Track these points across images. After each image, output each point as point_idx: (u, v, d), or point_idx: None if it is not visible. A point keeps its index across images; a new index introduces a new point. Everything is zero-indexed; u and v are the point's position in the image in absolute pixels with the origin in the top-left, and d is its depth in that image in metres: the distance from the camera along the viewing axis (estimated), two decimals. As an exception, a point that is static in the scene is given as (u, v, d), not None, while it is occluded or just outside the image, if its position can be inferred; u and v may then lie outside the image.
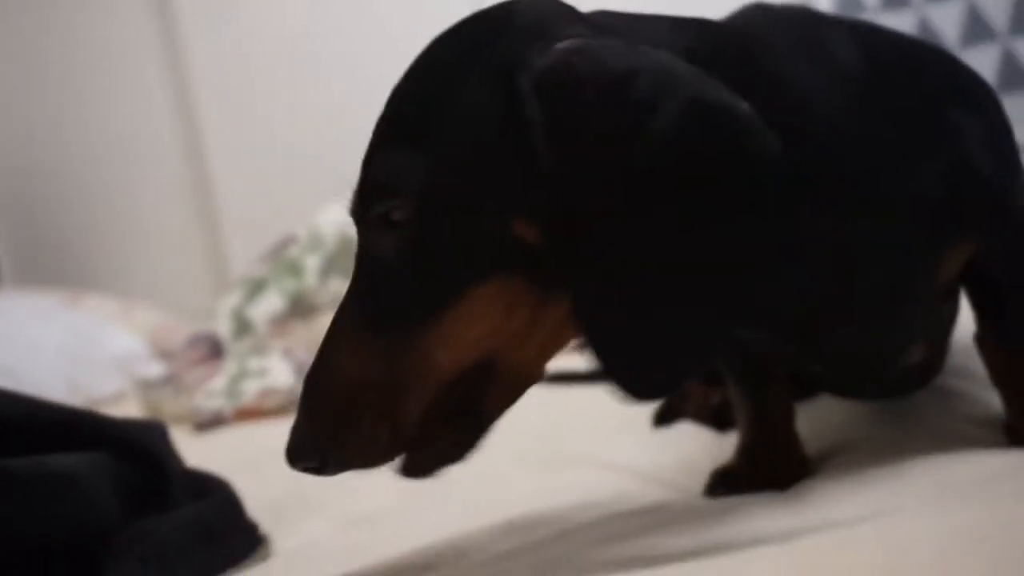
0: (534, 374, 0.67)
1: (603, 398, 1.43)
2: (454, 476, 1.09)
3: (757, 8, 0.78)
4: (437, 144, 0.61)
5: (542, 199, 0.59)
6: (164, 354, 2.52)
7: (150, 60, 3.02)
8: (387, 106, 0.65)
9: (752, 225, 0.58)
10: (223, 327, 2.22)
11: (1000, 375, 0.84)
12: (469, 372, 0.63)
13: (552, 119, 0.58)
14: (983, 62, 2.09)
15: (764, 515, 0.67)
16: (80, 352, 2.36)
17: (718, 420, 1.11)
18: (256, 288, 2.26)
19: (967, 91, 0.78)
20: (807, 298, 0.70)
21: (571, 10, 0.67)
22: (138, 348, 2.52)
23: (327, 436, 0.62)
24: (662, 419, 1.21)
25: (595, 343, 0.59)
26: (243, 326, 2.20)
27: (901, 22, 2.18)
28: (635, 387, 0.61)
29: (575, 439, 1.19)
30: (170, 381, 2.02)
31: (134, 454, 0.88)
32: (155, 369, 2.34)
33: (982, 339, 0.84)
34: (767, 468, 0.86)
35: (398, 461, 0.65)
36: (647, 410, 1.27)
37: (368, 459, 0.63)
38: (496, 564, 0.68)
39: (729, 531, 0.65)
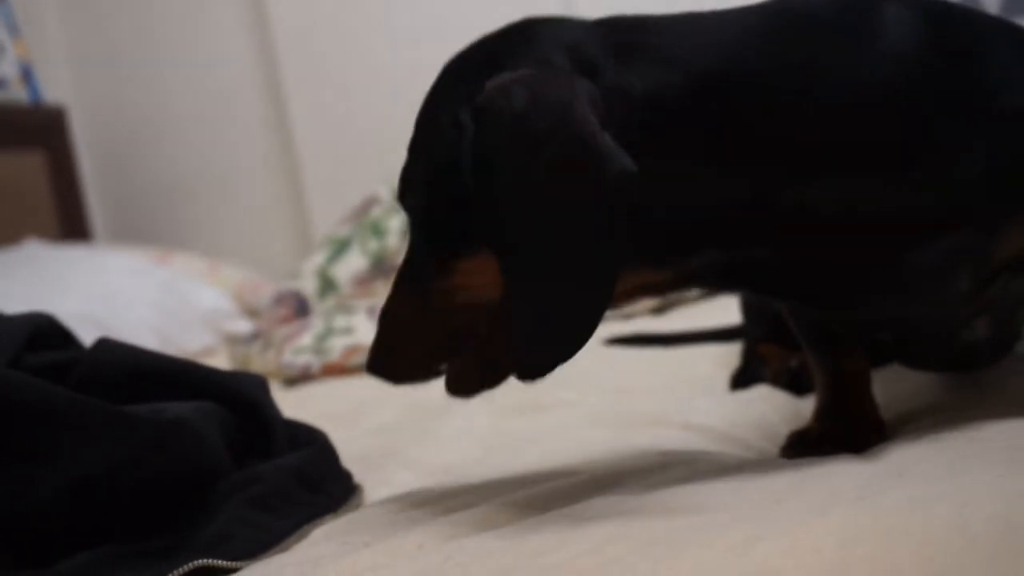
0: None
1: (680, 362, 1.47)
2: (533, 432, 1.14)
3: None
4: (426, 157, 0.77)
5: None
6: (250, 311, 2.59)
7: (239, 24, 3.07)
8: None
9: (615, 234, 0.68)
10: (308, 286, 2.28)
11: None
12: (482, 314, 0.76)
13: (477, 144, 0.71)
14: None
15: (839, 473, 0.69)
16: (170, 307, 2.43)
17: (795, 384, 1.13)
18: (340, 248, 2.31)
19: None
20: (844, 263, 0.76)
21: (561, 33, 0.76)
22: (225, 305, 2.59)
23: (389, 355, 0.80)
24: (739, 383, 1.24)
25: (508, 328, 0.72)
26: (328, 285, 2.26)
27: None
28: (531, 364, 0.72)
29: (651, 400, 1.22)
30: (258, 337, 2.08)
31: (239, 404, 0.93)
32: (243, 325, 2.42)
33: None
34: (844, 431, 0.88)
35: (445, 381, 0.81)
36: (724, 375, 1.30)
37: (411, 373, 0.81)
38: (577, 516, 0.71)
39: (804, 487, 0.68)
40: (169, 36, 3.16)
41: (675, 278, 0.79)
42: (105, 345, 0.94)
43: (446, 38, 2.91)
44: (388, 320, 0.80)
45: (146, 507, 0.79)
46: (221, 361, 2.23)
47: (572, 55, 0.73)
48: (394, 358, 0.80)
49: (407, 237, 0.81)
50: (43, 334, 0.99)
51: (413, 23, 2.86)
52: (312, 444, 0.97)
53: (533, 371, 0.71)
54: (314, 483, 0.90)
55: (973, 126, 0.74)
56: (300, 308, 2.23)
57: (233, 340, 2.29)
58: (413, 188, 0.78)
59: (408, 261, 0.80)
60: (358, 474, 1.01)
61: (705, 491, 0.71)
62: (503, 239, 0.71)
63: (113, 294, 2.34)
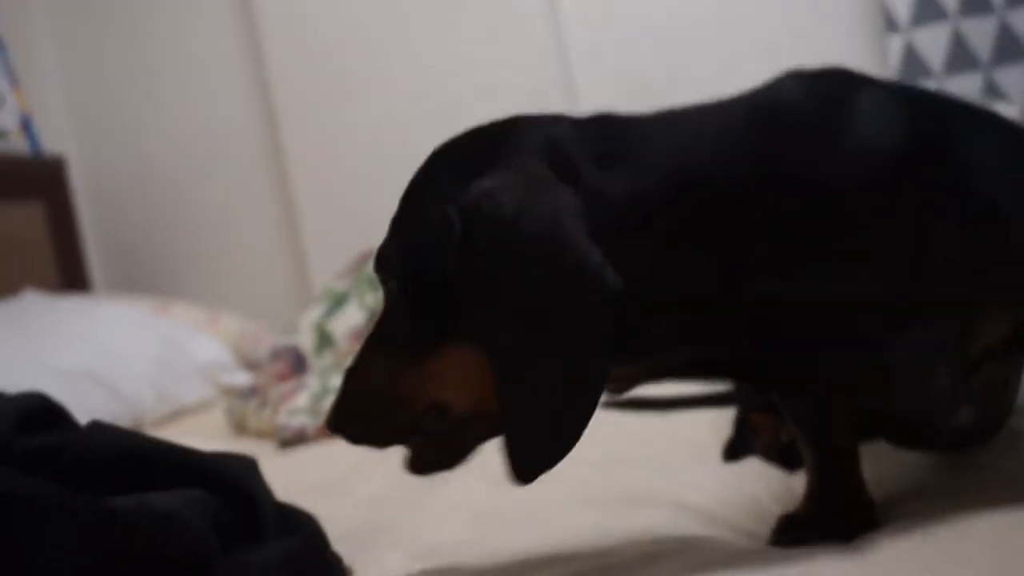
0: None
1: (674, 427, 1.46)
2: (523, 509, 1.14)
3: (792, 77, 0.81)
4: (407, 244, 0.78)
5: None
6: (249, 363, 2.59)
7: (234, 73, 3.09)
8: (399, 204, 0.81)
9: (597, 349, 0.70)
10: (306, 341, 2.28)
11: None
12: (447, 412, 0.77)
13: (465, 244, 0.72)
14: None
15: (824, 566, 0.69)
16: (168, 360, 2.43)
17: (786, 459, 1.13)
18: (337, 302, 2.31)
19: (1009, 164, 0.79)
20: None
21: (546, 133, 0.78)
22: (223, 356, 2.59)
23: (350, 418, 0.81)
24: (732, 454, 1.23)
25: (504, 426, 0.73)
26: (325, 340, 2.25)
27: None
28: (527, 466, 0.72)
29: (643, 473, 1.21)
30: (255, 393, 2.08)
31: (228, 489, 0.93)
32: (241, 377, 2.41)
33: None
34: (833, 515, 0.88)
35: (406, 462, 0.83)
36: (718, 443, 1.29)
37: (371, 439, 0.82)
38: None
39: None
40: (169, 87, 3.18)
41: (648, 371, 0.81)
42: (95, 428, 0.94)
43: (449, 91, 2.94)
44: (353, 384, 0.81)
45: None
46: (217, 415, 2.23)
47: (555, 158, 0.75)
48: (355, 422, 0.81)
49: (382, 302, 0.83)
50: (35, 415, 0.99)
51: (416, 74, 2.88)
52: (302, 529, 0.97)
53: (528, 473, 0.72)
54: (303, 571, 0.89)
55: (945, 219, 0.75)
56: (297, 364, 2.23)
57: (229, 392, 2.28)
58: (391, 267, 0.79)
59: (382, 330, 0.81)
60: (348, 553, 1.00)
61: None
62: (490, 337, 0.72)
63: (111, 347, 2.35)
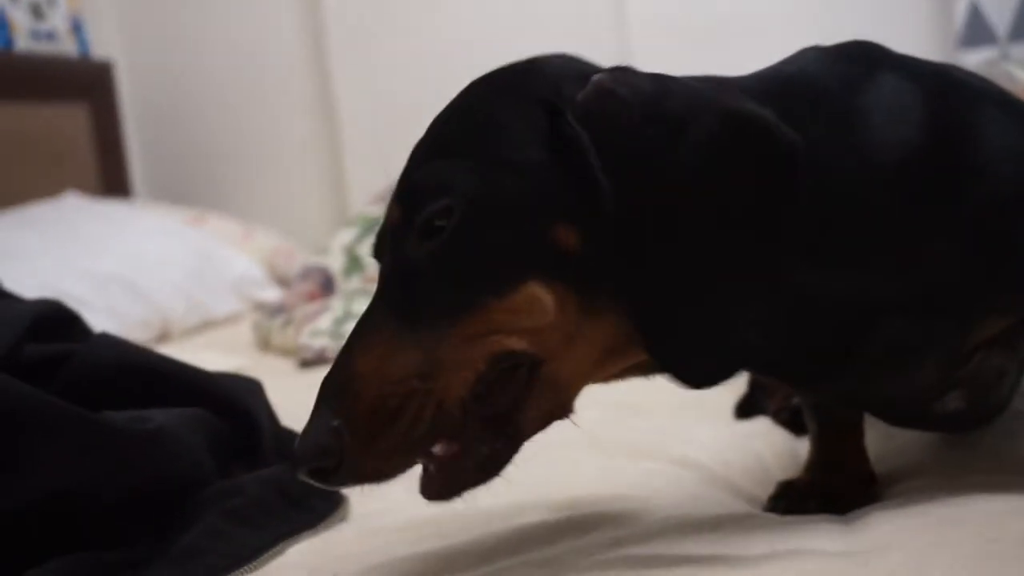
0: (571, 392, 0.71)
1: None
2: (528, 447, 1.14)
3: (811, 52, 0.78)
4: (485, 158, 0.67)
5: (587, 209, 0.64)
6: (281, 279, 2.61)
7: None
8: (429, 131, 0.72)
9: (779, 219, 0.65)
10: (336, 263, 2.29)
11: None
12: (511, 368, 0.67)
13: (598, 138, 0.64)
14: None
15: (808, 553, 0.68)
16: (201, 272, 2.45)
17: (795, 423, 1.12)
18: (370, 227, 2.31)
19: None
20: (815, 341, 0.73)
21: (597, 67, 0.72)
22: (256, 272, 2.61)
23: (360, 434, 0.63)
24: (743, 412, 1.23)
25: (650, 337, 0.66)
26: (355, 263, 2.26)
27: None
28: (689, 375, 0.67)
29: (652, 423, 1.20)
30: (282, 311, 2.09)
31: (230, 411, 0.94)
32: (271, 293, 2.43)
33: None
34: (832, 487, 0.87)
35: (422, 483, 0.67)
36: (731, 399, 1.28)
37: (402, 455, 0.64)
38: (547, 565, 0.71)
39: (775, 547, 0.69)
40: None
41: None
42: (103, 340, 0.95)
43: (493, 18, 2.90)
44: (362, 386, 0.64)
45: (122, 517, 0.79)
46: (245, 330, 2.25)
47: None
48: (375, 435, 0.63)
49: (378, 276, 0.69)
50: (48, 321, 1.00)
51: (468, 2, 2.84)
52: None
53: (700, 378, 0.67)
54: (297, 497, 0.90)
55: (958, 212, 0.72)
56: (326, 285, 2.24)
57: (260, 308, 2.30)
58: (454, 194, 0.65)
59: (398, 305, 0.67)
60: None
61: (673, 547, 0.71)
62: (637, 241, 0.64)
63: (145, 255, 2.37)
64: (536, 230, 0.65)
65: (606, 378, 0.74)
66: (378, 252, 0.73)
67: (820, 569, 0.64)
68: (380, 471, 0.65)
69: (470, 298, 0.65)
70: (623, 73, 0.69)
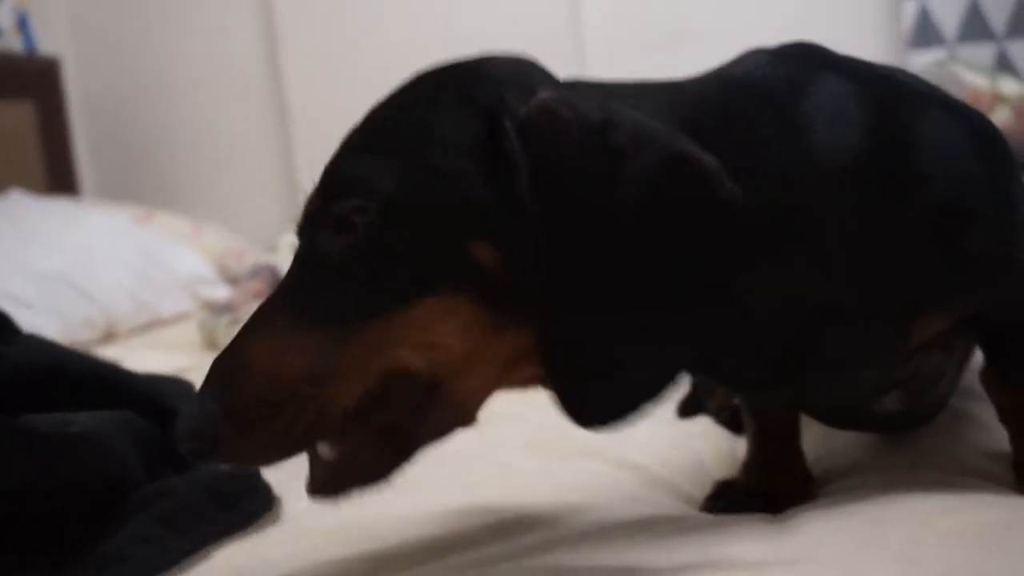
0: (472, 407, 0.67)
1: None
2: (468, 448, 1.12)
3: (756, 56, 0.77)
4: (411, 158, 0.64)
5: (510, 228, 0.62)
6: (232, 279, 2.58)
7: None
8: (365, 120, 0.69)
9: (712, 267, 0.62)
10: (285, 261, 2.26)
11: (1004, 413, 0.84)
12: (409, 384, 0.64)
13: (534, 159, 0.62)
14: None
15: (736, 555, 0.68)
16: (148, 270, 2.41)
17: (736, 423, 1.12)
18: (320, 226, 2.29)
19: (967, 163, 0.75)
20: (755, 347, 0.71)
21: (547, 73, 0.70)
22: (206, 270, 2.57)
23: (240, 418, 0.60)
24: (685, 411, 1.22)
25: (553, 371, 0.63)
26: (303, 262, 2.23)
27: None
28: (586, 416, 0.64)
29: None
30: (228, 311, 2.07)
31: (159, 412, 0.92)
32: (221, 291, 2.40)
33: (986, 376, 0.83)
34: (768, 487, 0.87)
35: (308, 480, 0.65)
36: (674, 397, 1.28)
37: (279, 448, 0.62)
38: (475, 569, 0.70)
39: (704, 555, 0.68)
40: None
41: None
42: (29, 342, 0.93)
43: (449, 16, 2.90)
44: (250, 371, 0.62)
45: (46, 522, 0.77)
46: (191, 329, 2.21)
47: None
48: (254, 422, 0.60)
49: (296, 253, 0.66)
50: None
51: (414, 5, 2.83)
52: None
53: (593, 423, 0.64)
54: (227, 499, 0.88)
55: (899, 219, 0.71)
56: (274, 283, 2.21)
57: (207, 307, 2.27)
58: (370, 190, 0.63)
59: (300, 297, 0.64)
60: (282, 481, 0.99)
61: (602, 553, 0.71)
62: (556, 263, 0.61)
63: (91, 253, 2.33)
64: (453, 244, 0.62)
65: (511, 387, 0.70)
66: (300, 232, 0.67)
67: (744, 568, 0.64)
68: (256, 459, 0.64)
69: (374, 305, 0.62)
70: (571, 92, 0.66)
